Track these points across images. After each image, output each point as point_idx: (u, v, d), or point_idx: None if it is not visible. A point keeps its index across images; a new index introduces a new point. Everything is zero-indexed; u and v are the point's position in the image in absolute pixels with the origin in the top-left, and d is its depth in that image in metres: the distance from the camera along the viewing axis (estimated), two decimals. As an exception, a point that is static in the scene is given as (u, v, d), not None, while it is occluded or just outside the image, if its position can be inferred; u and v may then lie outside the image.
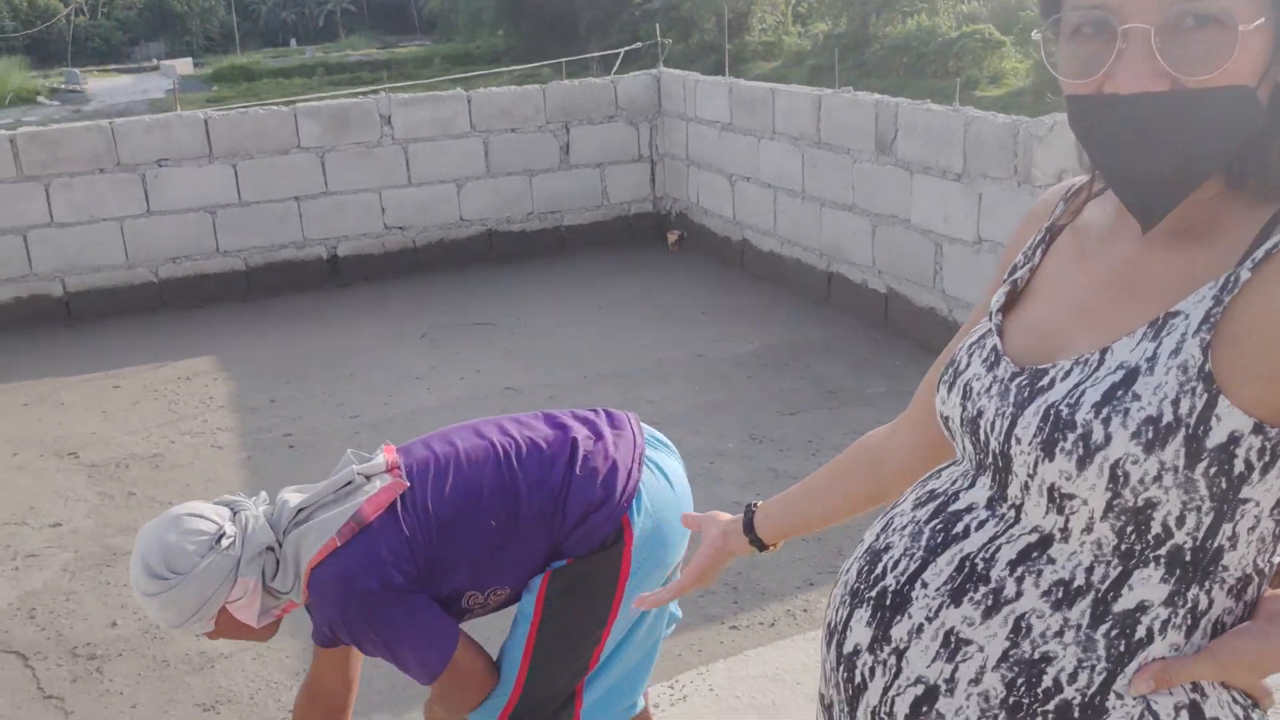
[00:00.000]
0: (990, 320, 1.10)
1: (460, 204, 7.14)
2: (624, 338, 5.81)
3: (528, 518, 1.96)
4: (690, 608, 3.30)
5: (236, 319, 6.44)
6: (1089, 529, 0.96)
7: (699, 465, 4.25)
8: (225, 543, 1.91)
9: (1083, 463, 0.93)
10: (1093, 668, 0.96)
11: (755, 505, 1.45)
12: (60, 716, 2.99)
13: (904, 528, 1.11)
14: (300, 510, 1.97)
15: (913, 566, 1.07)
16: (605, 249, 7.53)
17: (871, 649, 1.08)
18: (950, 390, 1.09)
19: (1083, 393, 0.95)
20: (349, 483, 1.97)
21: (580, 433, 2.05)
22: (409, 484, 1.95)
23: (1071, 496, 0.95)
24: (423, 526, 1.92)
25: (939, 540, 1.06)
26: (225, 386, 5.40)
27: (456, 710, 2.06)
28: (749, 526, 1.43)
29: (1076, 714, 0.96)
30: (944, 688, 1.02)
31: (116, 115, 7.06)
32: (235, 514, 1.98)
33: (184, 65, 39.56)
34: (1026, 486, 0.99)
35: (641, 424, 2.15)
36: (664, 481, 2.08)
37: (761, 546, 1.43)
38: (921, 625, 1.04)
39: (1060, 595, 0.97)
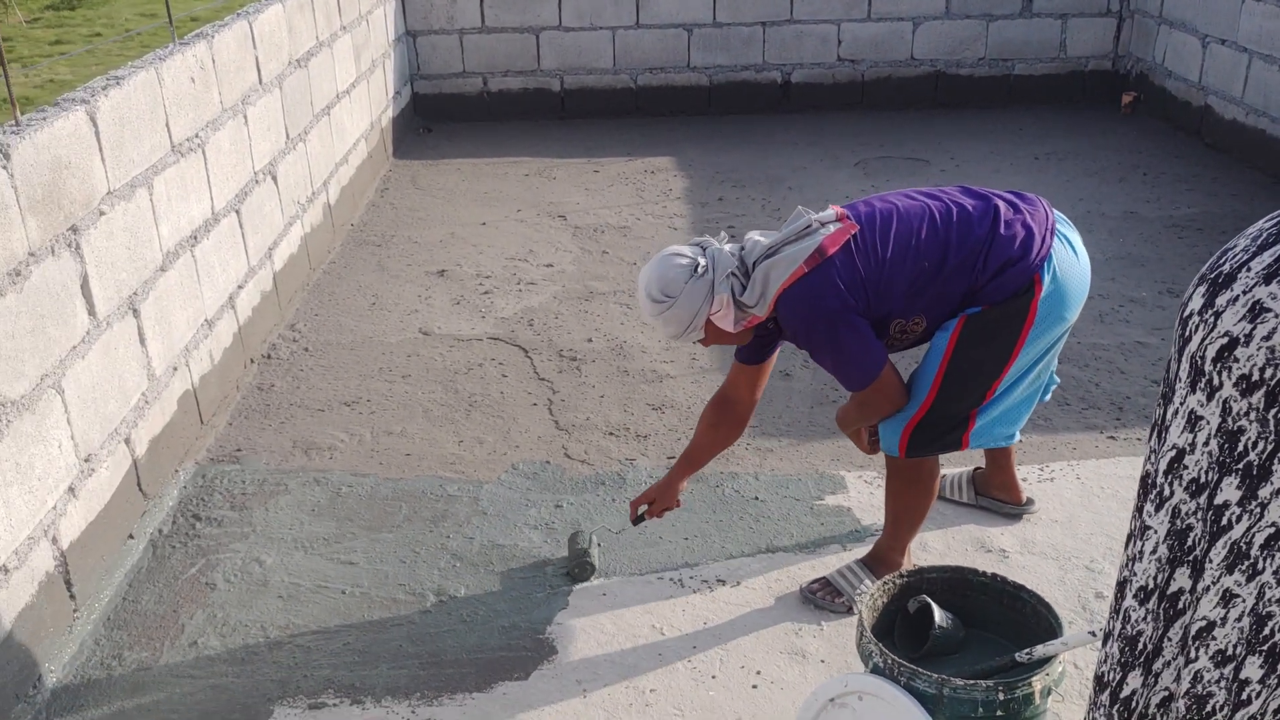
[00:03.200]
0: None
1: (913, 43, 7.37)
2: (1056, 187, 5.90)
3: (952, 264, 2.41)
4: (1073, 416, 3.62)
5: (696, 129, 7.22)
6: None
7: (1109, 307, 4.42)
8: (700, 270, 2.48)
9: None
10: None
11: None
12: (549, 392, 3.92)
13: (1251, 233, 1.47)
14: (770, 248, 2.50)
15: (1245, 257, 1.43)
16: (1053, 103, 7.47)
17: (1200, 312, 1.47)
18: None
19: None
20: (807, 227, 2.48)
21: (1000, 203, 2.47)
22: (858, 226, 2.44)
23: None
24: (869, 263, 2.42)
25: (1271, 240, 1.41)
26: (682, 182, 6.20)
27: (874, 416, 2.59)
28: None
29: None
30: (1242, 340, 1.40)
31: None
32: (704, 249, 2.56)
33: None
34: None
35: (1050, 205, 2.53)
36: (1070, 251, 2.46)
37: None
38: (1238, 296, 1.41)
39: None
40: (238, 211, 3.97)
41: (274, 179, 4.40)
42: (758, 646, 2.65)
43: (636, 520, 2.87)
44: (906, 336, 2.54)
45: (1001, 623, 2.20)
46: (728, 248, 2.56)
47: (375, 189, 6.14)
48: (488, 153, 6.81)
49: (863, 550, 2.98)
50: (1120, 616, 1.73)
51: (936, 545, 3.00)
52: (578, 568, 2.89)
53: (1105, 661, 1.75)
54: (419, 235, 5.46)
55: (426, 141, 7.10)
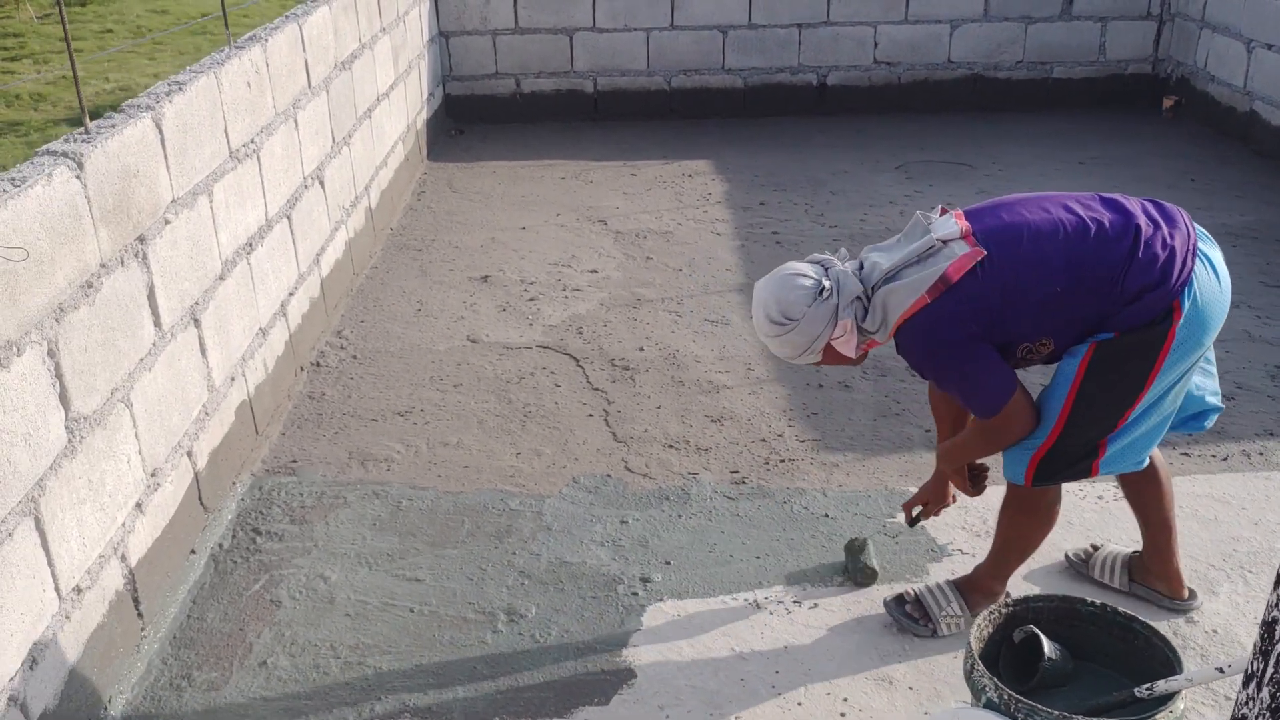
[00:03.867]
0: None
1: (950, 45, 7.29)
2: (1101, 192, 5.81)
3: (1086, 289, 2.26)
4: (1142, 431, 3.54)
5: (731, 131, 7.15)
6: None
7: (1167, 316, 4.34)
8: (825, 294, 2.37)
9: None
10: None
11: None
12: (604, 402, 3.85)
13: None
14: (890, 271, 2.37)
15: None
16: (1093, 107, 7.39)
17: None
18: None
19: None
20: (930, 248, 2.33)
21: (1141, 220, 2.29)
22: (985, 251, 2.28)
23: None
24: (995, 288, 2.27)
25: None
26: (722, 186, 6.13)
27: (1001, 443, 2.45)
28: None
29: None
30: None
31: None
32: (827, 270, 2.43)
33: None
34: None
35: (1191, 219, 2.37)
36: (1213, 274, 2.30)
37: None
38: None
39: None
40: (289, 217, 3.91)
41: (321, 184, 4.34)
42: (842, 671, 2.58)
43: (912, 522, 2.80)
44: (1034, 357, 2.41)
45: (1112, 655, 2.13)
46: (849, 267, 2.45)
47: (412, 192, 6.08)
48: (522, 155, 6.75)
49: (940, 570, 2.91)
50: (1273, 660, 1.65)
51: (1019, 567, 2.92)
52: (860, 575, 2.85)
53: (1249, 705, 1.68)
54: (459, 240, 5.40)
55: (459, 143, 7.04)
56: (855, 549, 2.91)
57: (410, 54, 6.25)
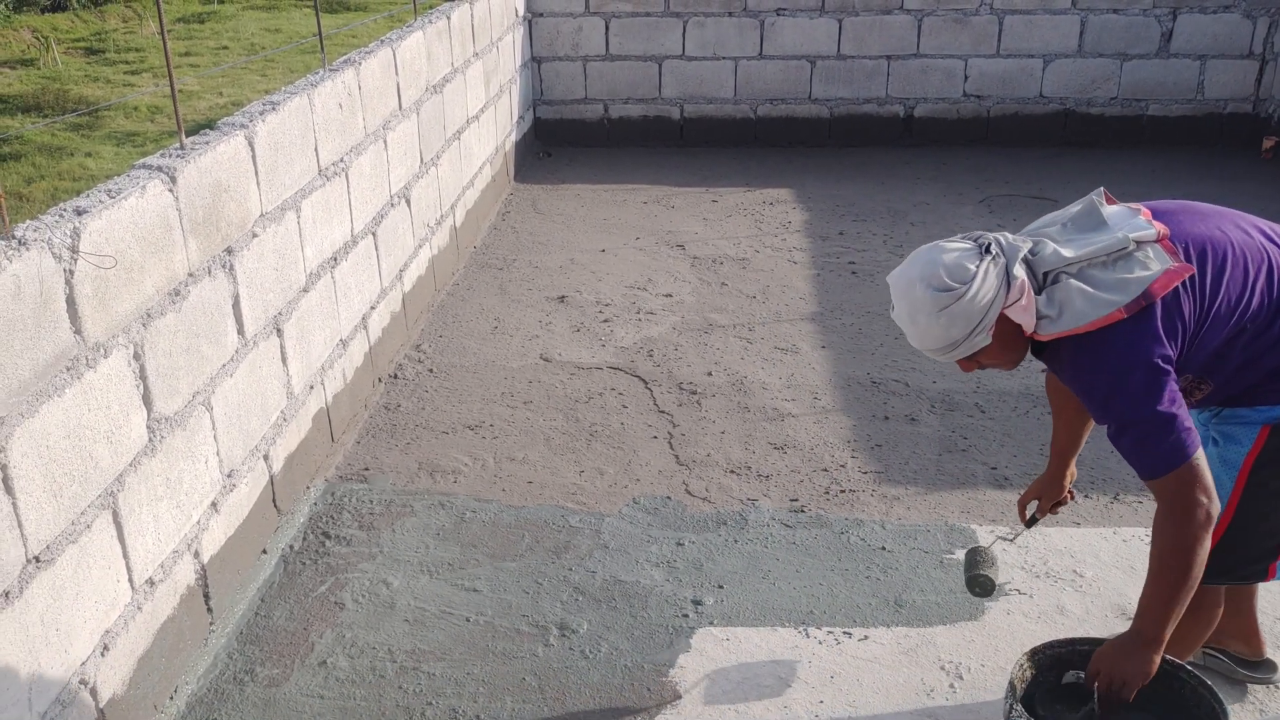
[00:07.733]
0: None
1: (1042, 80, 7.21)
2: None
3: (1273, 334, 1.97)
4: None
5: (815, 161, 7.16)
6: None
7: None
8: (994, 250, 1.97)
9: None
10: None
11: None
12: (669, 425, 3.90)
13: None
14: (1073, 263, 1.96)
15: None
16: (1187, 146, 7.22)
17: None
18: None
19: None
20: (1122, 248, 1.93)
21: None
22: (1193, 268, 1.93)
23: None
24: (1195, 314, 1.93)
25: None
26: (801, 215, 6.15)
27: (1180, 530, 1.90)
28: None
29: None
30: None
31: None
32: (977, 240, 2.03)
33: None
34: None
35: None
36: None
37: None
38: None
39: None
40: (374, 234, 4.05)
41: (407, 202, 4.48)
42: (887, 705, 2.58)
43: (1029, 522, 2.59)
44: (1188, 399, 2.08)
45: (1158, 702, 2.09)
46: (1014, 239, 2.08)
47: (497, 212, 6.23)
48: (607, 179, 6.86)
49: (997, 609, 2.88)
50: None
51: (1075, 609, 2.88)
52: (977, 586, 2.62)
53: None
54: (539, 260, 5.51)
55: (546, 166, 7.18)
56: (975, 560, 2.66)
57: (502, 78, 6.41)
